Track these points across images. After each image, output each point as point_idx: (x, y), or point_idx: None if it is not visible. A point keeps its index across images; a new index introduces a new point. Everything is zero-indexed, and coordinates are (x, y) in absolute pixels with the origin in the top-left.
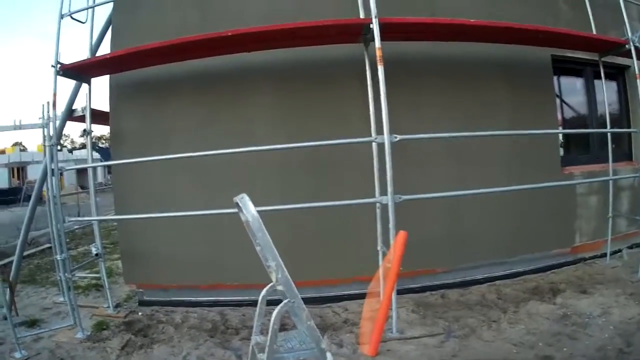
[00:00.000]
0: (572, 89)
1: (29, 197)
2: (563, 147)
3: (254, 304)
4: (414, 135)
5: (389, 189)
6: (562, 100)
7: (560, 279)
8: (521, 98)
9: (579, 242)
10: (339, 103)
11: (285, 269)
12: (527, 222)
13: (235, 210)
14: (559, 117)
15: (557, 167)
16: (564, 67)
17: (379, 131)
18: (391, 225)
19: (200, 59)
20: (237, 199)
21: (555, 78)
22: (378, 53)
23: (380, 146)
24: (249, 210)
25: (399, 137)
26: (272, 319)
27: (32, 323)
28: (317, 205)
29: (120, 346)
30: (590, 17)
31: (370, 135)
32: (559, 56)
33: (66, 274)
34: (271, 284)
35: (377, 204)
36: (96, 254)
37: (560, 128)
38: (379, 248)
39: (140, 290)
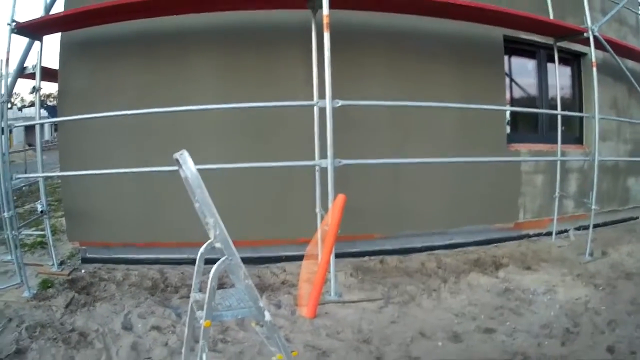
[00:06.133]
0: (523, 70)
1: None
2: (510, 126)
3: (192, 262)
4: (357, 101)
5: (329, 152)
6: (512, 80)
7: (503, 253)
8: (471, 74)
9: (523, 219)
10: (284, 68)
11: (223, 226)
12: (470, 195)
13: (175, 167)
14: (508, 96)
15: (503, 144)
16: (516, 48)
17: (322, 96)
18: (330, 188)
19: (148, 19)
20: (177, 155)
21: (506, 58)
22: (325, 20)
23: (322, 111)
24: (189, 166)
25: (340, 102)
26: (210, 276)
27: None
28: (256, 166)
29: (64, 304)
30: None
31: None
32: (512, 37)
33: (13, 232)
34: (209, 241)
35: (317, 167)
36: (41, 211)
37: (509, 106)
38: (317, 211)
39: (83, 247)
